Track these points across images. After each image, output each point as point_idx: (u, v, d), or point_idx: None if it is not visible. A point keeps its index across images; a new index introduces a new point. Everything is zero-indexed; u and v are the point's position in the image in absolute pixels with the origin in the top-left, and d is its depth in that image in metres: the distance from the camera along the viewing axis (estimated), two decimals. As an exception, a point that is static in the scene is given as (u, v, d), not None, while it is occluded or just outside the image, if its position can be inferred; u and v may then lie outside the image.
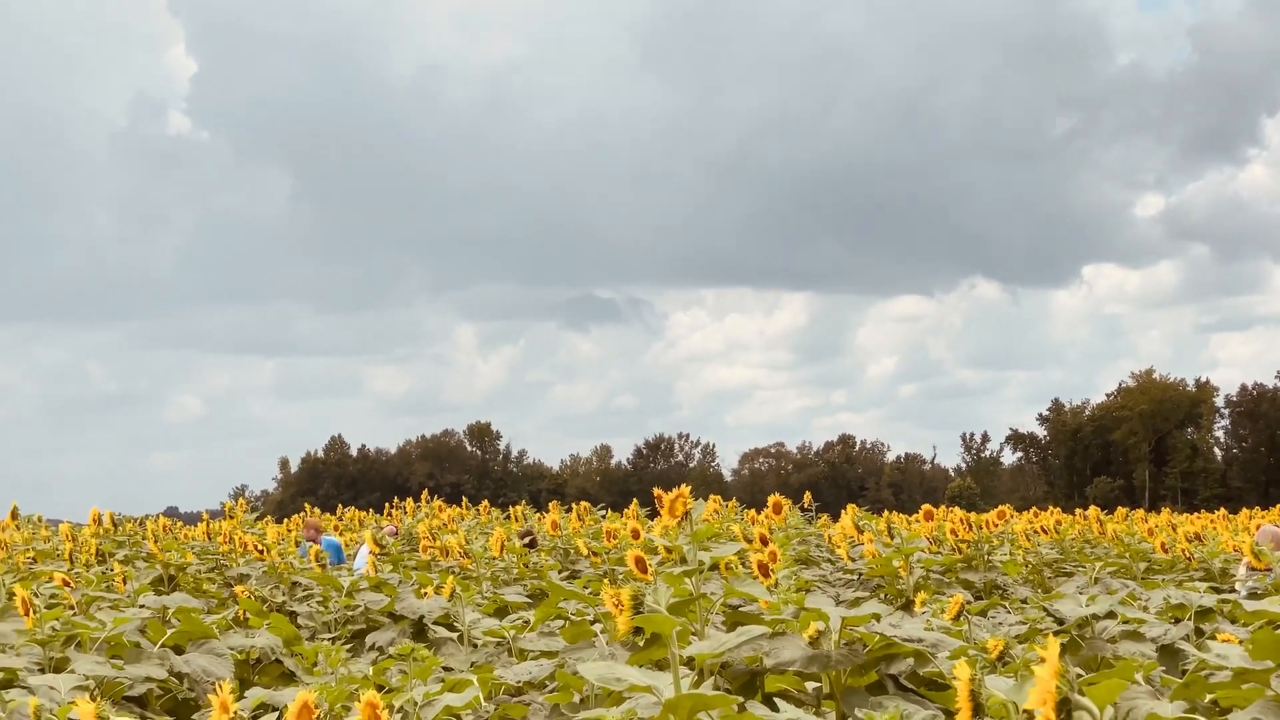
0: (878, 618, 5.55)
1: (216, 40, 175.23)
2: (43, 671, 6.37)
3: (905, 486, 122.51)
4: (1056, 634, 7.56)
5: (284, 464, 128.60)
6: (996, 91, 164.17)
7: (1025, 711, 3.72)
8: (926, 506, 14.07)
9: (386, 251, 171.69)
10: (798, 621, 5.59)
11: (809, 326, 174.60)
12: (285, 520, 25.91)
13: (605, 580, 10.16)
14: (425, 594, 9.21)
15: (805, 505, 18.40)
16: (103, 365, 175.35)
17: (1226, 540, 14.04)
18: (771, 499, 9.94)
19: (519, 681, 6.35)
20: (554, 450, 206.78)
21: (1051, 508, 22.29)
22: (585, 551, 13.32)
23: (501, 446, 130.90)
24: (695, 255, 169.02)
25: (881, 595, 10.48)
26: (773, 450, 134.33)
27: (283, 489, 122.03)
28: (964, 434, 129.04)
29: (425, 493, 24.88)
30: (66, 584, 8.37)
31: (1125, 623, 7.41)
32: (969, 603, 7.30)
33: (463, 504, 24.13)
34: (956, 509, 15.94)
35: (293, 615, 9.63)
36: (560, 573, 12.52)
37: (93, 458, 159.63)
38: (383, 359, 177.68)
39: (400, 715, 5.14)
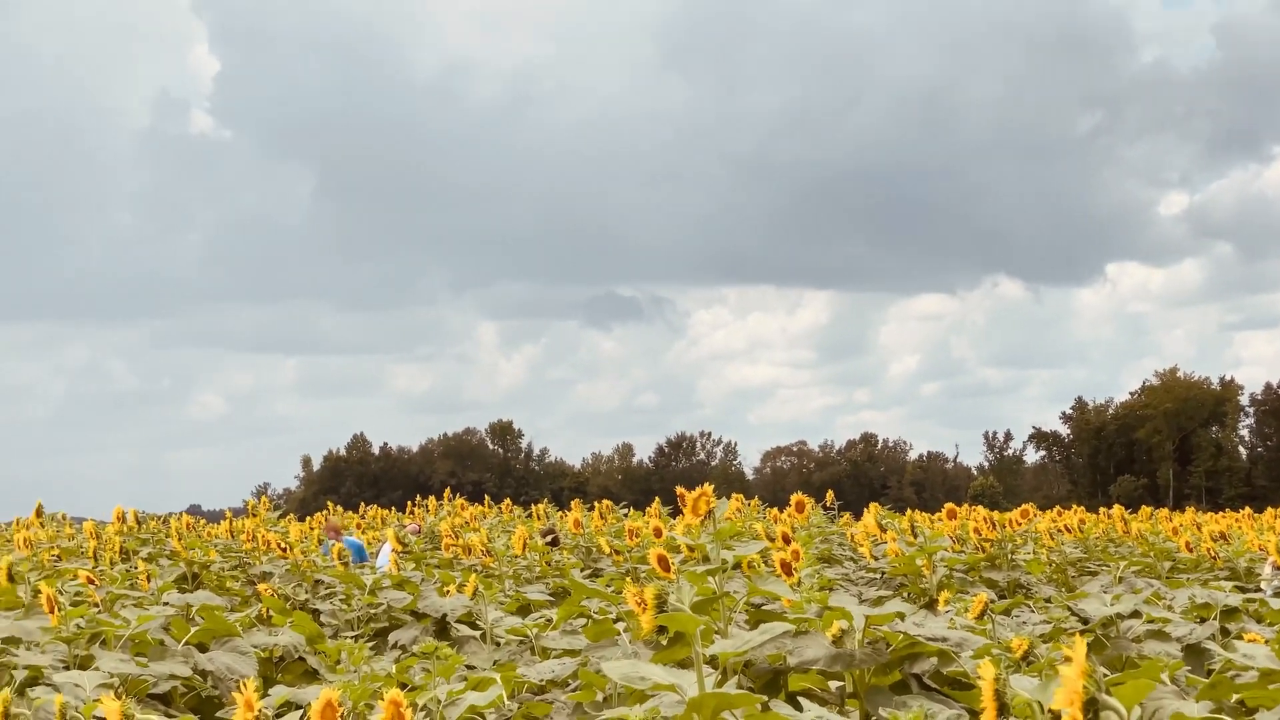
0: (901, 616, 5.53)
1: (240, 39, 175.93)
2: (68, 669, 6.39)
3: (928, 485, 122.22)
4: (1081, 633, 7.52)
5: (306, 462, 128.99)
6: (1019, 89, 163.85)
7: (1051, 711, 3.70)
8: (949, 505, 14.04)
9: (408, 250, 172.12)
10: (821, 620, 5.57)
11: (831, 325, 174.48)
12: (308, 518, 25.97)
13: (628, 578, 10.16)
14: (448, 592, 9.23)
15: (828, 504, 18.35)
16: (126, 364, 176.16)
17: (1252, 539, 13.96)
18: (794, 497, 9.93)
19: (542, 680, 6.34)
20: (576, 448, 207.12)
21: (1075, 507, 22.21)
22: (608, 550, 13.32)
23: (523, 445, 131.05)
24: (717, 253, 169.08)
25: (904, 594, 10.45)
26: (795, 449, 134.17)
27: (305, 487, 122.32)
28: (986, 432, 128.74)
29: (447, 491, 24.91)
30: (91, 582, 8.39)
31: (1150, 622, 7.39)
32: (992, 602, 7.28)
33: (485, 502, 24.14)
34: (979, 508, 15.90)
35: (316, 613, 9.64)
36: (582, 571, 12.52)
37: (116, 456, 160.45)
38: (405, 357, 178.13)
39: (424, 714, 5.15)
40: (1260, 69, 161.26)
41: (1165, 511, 30.28)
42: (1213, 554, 12.54)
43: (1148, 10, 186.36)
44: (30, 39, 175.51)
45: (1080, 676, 2.64)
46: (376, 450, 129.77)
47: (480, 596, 8.47)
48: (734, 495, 20.49)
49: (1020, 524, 14.32)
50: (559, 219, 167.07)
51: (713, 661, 4.94)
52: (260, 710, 3.65)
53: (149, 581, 9.14)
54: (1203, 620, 7.76)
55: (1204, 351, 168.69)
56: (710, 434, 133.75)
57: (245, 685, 3.69)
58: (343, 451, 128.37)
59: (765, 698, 4.24)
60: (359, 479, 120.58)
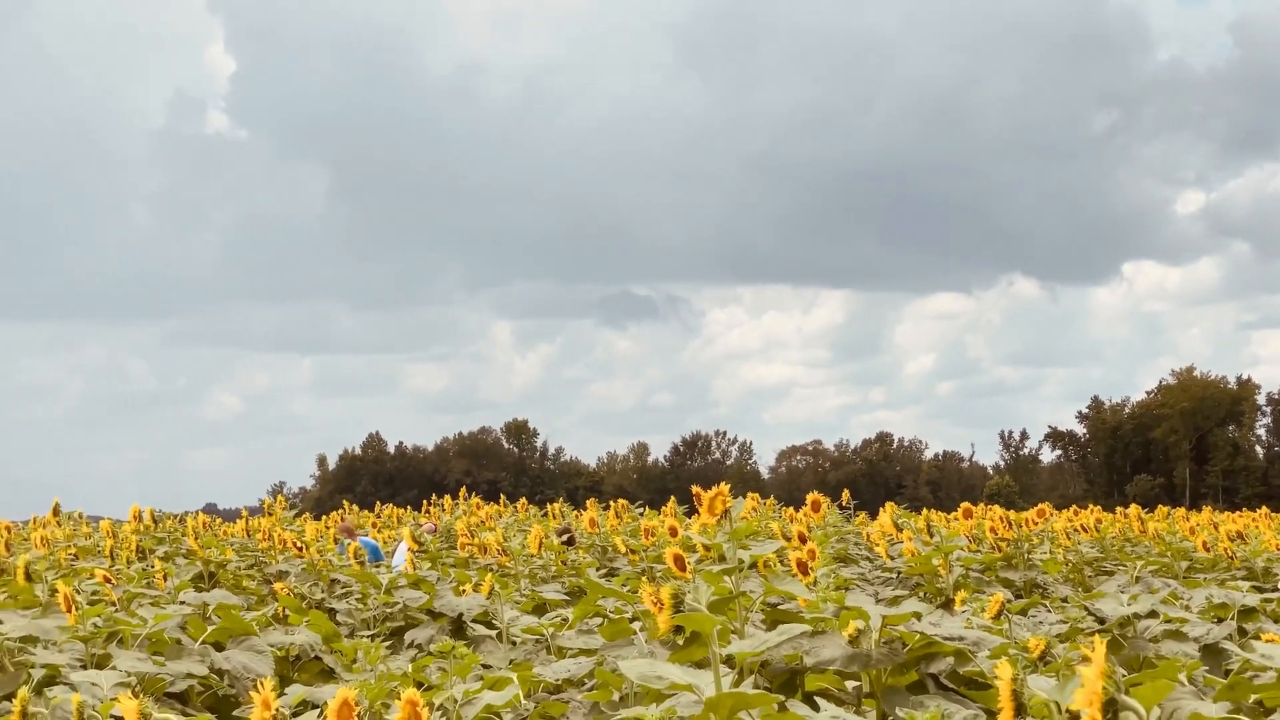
0: (918, 616, 5.52)
1: (255, 39, 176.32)
2: (85, 668, 6.40)
3: (943, 484, 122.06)
4: (1098, 633, 7.51)
5: (322, 461, 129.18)
6: (1035, 88, 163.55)
7: (1069, 712, 3.69)
8: (965, 505, 14.02)
9: (424, 249, 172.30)
10: (837, 620, 5.56)
11: (847, 324, 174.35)
12: (323, 517, 26.01)
13: (643, 578, 10.15)
14: (464, 591, 9.23)
15: (843, 503, 18.33)
16: (142, 363, 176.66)
17: (1269, 539, 13.90)
18: (810, 497, 9.92)
19: (558, 679, 6.34)
20: (591, 448, 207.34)
21: (1091, 506, 22.15)
22: (623, 549, 13.32)
23: (538, 444, 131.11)
24: (733, 253, 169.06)
25: (920, 594, 10.43)
26: (810, 448, 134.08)
27: (321, 486, 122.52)
28: (1002, 432, 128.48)
29: (463, 490, 24.93)
30: (108, 580, 8.41)
31: (1167, 622, 7.37)
32: (1009, 601, 7.27)
33: (500, 501, 24.16)
34: (995, 507, 15.87)
35: (332, 612, 9.65)
36: (598, 570, 12.51)
37: (132, 455, 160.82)
38: (420, 356, 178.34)
39: (440, 713, 5.15)
40: (1277, 68, 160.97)
41: (1182, 511, 30.20)
42: (1230, 554, 12.50)
43: (1164, 9, 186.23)
44: (46, 40, 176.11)
45: (1100, 677, 2.63)
46: (392, 449, 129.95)
47: (496, 596, 8.48)
48: (749, 494, 20.49)
49: (1036, 523, 14.30)
50: (574, 218, 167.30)
51: (729, 661, 4.94)
52: (277, 709, 3.65)
53: (165, 580, 9.16)
54: (1220, 620, 7.74)
55: (1220, 350, 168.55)
56: (725, 433, 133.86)
57: (262, 684, 3.70)
58: (358, 451, 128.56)
59: (782, 697, 4.23)
60: (374, 478, 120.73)
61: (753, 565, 6.01)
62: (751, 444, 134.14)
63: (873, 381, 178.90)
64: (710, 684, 4.35)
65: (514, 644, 8.12)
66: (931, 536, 10.67)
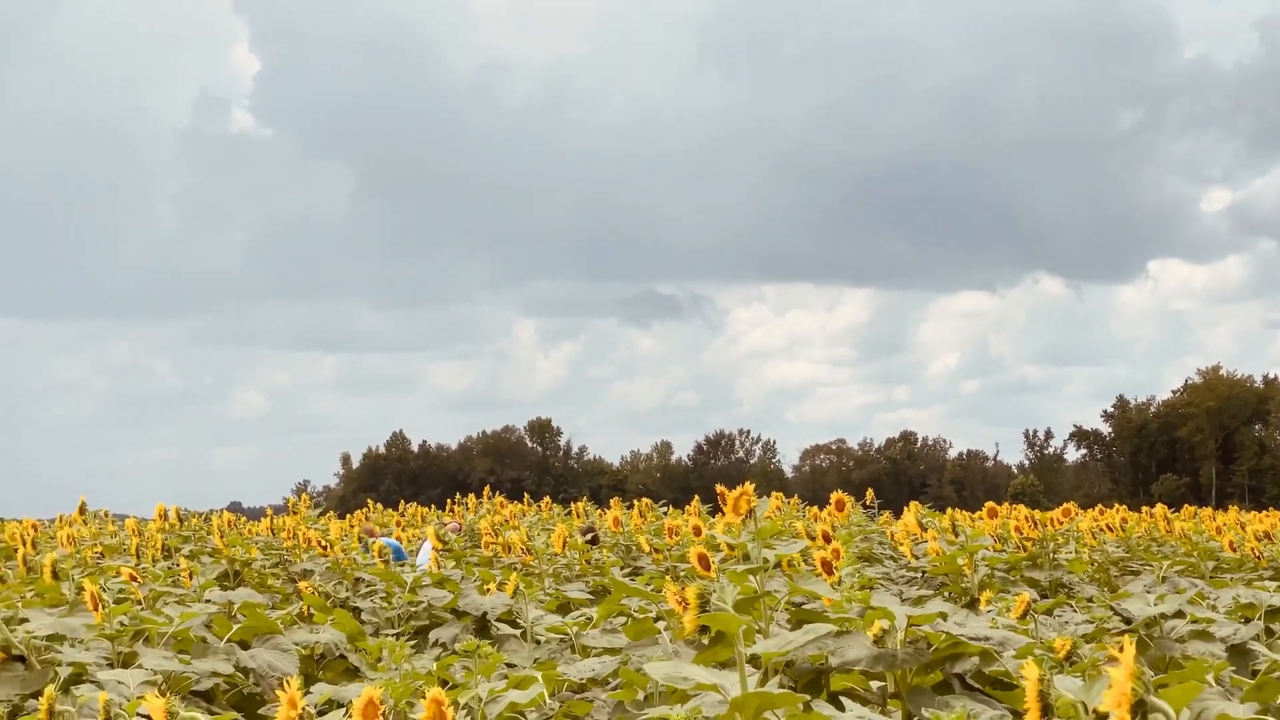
0: (944, 616, 5.50)
1: (279, 38, 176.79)
2: (111, 666, 6.42)
3: (967, 484, 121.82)
4: (1124, 633, 7.48)
5: (346, 459, 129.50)
6: (1060, 85, 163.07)
7: (1096, 712, 3.68)
8: (990, 504, 13.97)
9: (447, 247, 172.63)
10: (862, 620, 5.55)
11: (871, 322, 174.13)
12: (347, 516, 26.05)
13: (667, 577, 10.14)
14: (488, 590, 9.23)
15: (867, 502, 18.31)
16: (168, 362, 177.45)
17: (1296, 539, 13.84)
18: (834, 496, 9.89)
19: (582, 678, 6.34)
20: (614, 446, 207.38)
21: (1117, 505, 22.09)
22: (647, 548, 13.31)
23: (562, 443, 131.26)
24: (756, 251, 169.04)
25: (945, 593, 10.40)
26: (834, 447, 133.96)
27: (344, 484, 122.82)
28: (1027, 431, 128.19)
29: (487, 489, 24.94)
30: (134, 579, 8.43)
31: (1194, 622, 7.34)
32: (1035, 601, 7.24)
33: (524, 500, 24.16)
34: (1020, 506, 15.81)
35: (356, 611, 9.67)
36: (622, 569, 12.51)
37: (158, 453, 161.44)
38: (444, 355, 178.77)
39: (465, 712, 5.15)
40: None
41: (1208, 510, 30.10)
42: (1257, 553, 12.44)
43: (1190, 5, 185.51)
44: (72, 41, 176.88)
45: (1129, 678, 2.62)
46: (415, 448, 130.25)
47: (521, 595, 8.48)
48: (773, 493, 20.51)
49: (1062, 523, 14.24)
50: (597, 217, 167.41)
51: (754, 661, 4.93)
52: (303, 708, 3.66)
53: (191, 579, 9.18)
54: (1247, 620, 7.70)
55: (1247, 349, 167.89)
56: (749, 432, 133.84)
57: (288, 683, 3.70)
58: (382, 449, 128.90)
59: (808, 697, 4.23)
60: (398, 476, 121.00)
61: (777, 564, 6.01)
62: (775, 443, 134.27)
63: (896, 380, 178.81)
64: (735, 684, 4.35)
65: (538, 643, 8.12)
66: (956, 536, 10.63)
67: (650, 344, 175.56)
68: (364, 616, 9.63)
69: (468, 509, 23.17)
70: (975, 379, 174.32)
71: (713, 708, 4.36)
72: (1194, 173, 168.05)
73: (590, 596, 9.77)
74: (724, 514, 5.60)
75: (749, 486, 5.38)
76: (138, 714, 4.41)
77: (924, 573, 11.41)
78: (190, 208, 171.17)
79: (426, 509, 25.77)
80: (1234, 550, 12.59)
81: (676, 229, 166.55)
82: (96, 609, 6.59)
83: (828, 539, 7.19)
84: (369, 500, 28.90)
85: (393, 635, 8.91)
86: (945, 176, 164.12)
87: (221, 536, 11.56)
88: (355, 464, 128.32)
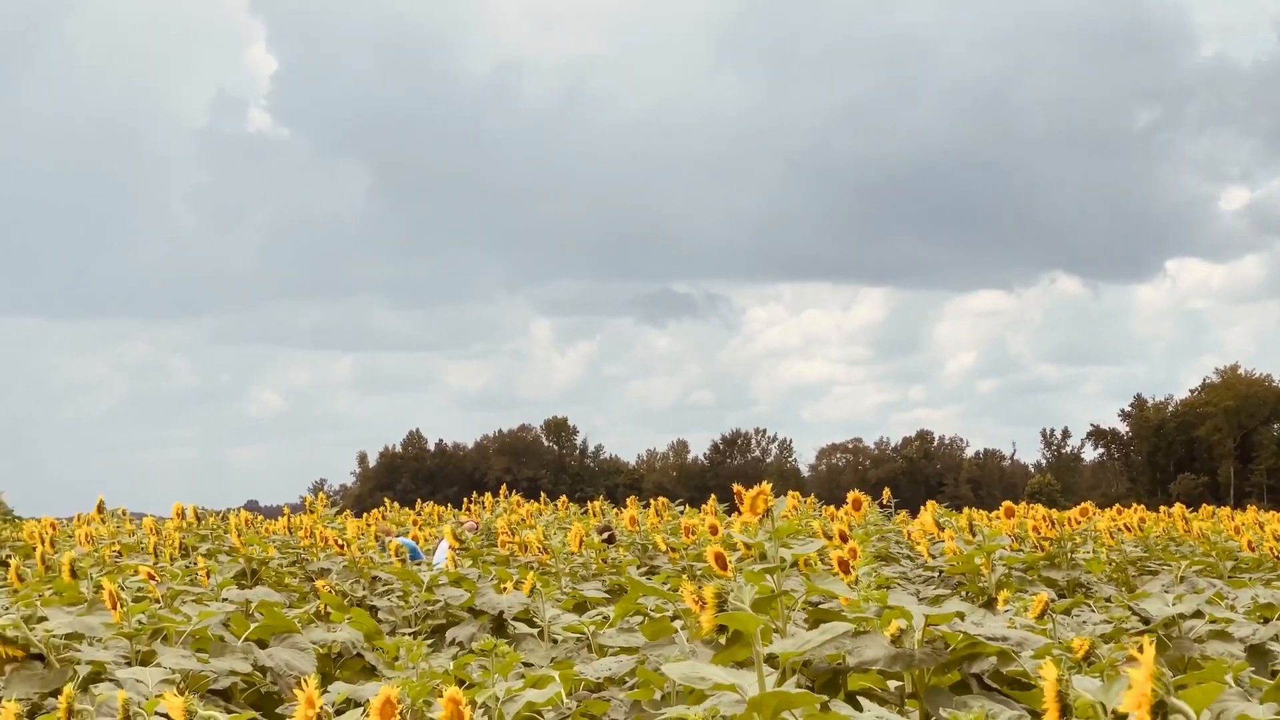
0: (961, 616, 5.49)
1: (296, 39, 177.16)
2: (130, 665, 6.43)
3: (984, 483, 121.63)
4: (1142, 633, 7.46)
5: (362, 458, 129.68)
6: (1077, 83, 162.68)
7: (1115, 713, 3.67)
8: (1007, 503, 13.94)
9: (464, 247, 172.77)
10: (880, 619, 5.54)
11: (887, 321, 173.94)
12: (364, 515, 26.07)
13: (684, 576, 10.14)
14: (505, 589, 9.23)
15: (884, 501, 18.27)
16: (185, 361, 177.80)
17: (1315, 538, 13.79)
18: (851, 495, 9.88)
19: (599, 677, 6.34)
20: (630, 445, 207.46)
21: (1135, 505, 22.02)
22: (664, 547, 13.30)
23: (578, 441, 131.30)
24: (773, 250, 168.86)
25: (962, 593, 10.38)
26: (850, 446, 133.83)
27: (361, 483, 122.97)
28: (1044, 430, 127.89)
29: (503, 488, 24.95)
30: (152, 577, 8.45)
31: (1213, 622, 7.31)
32: (1052, 601, 7.22)
33: (540, 499, 24.18)
34: (1038, 506, 15.78)
35: (373, 610, 9.68)
36: (639, 568, 12.51)
37: (175, 452, 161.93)
38: (460, 354, 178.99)
39: (482, 711, 5.15)
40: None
41: (1227, 510, 30.00)
42: (1275, 553, 12.39)
43: (1208, 3, 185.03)
44: (91, 41, 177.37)
45: (1149, 679, 2.61)
46: (432, 446, 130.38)
47: (538, 593, 8.48)
48: (790, 493, 20.50)
49: (1079, 522, 14.21)
50: (614, 216, 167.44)
51: (771, 661, 4.93)
52: (321, 707, 3.67)
53: (208, 577, 9.20)
54: (1266, 620, 7.68)
55: (1265, 348, 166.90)
56: (765, 431, 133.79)
57: (306, 682, 3.71)
58: (398, 448, 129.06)
59: (825, 697, 4.22)
60: (414, 475, 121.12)
61: (794, 564, 6.00)
62: (791, 442, 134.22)
63: (913, 379, 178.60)
64: (753, 684, 4.34)
65: (555, 642, 8.12)
66: (974, 535, 10.61)
67: (666, 343, 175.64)
68: (381, 615, 9.64)
69: (484, 508, 23.19)
70: (992, 378, 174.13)
71: (730, 707, 4.36)
72: (1212, 171, 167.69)
73: (607, 595, 9.77)
74: (741, 513, 5.59)
75: (766, 486, 5.38)
76: (156, 712, 4.42)
77: (941, 572, 11.39)
78: (207, 207, 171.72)
79: (443, 508, 25.79)
80: (1252, 550, 12.55)
81: (693, 228, 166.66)
82: (115, 607, 6.60)
83: (844, 538, 7.18)
84: (386, 499, 28.92)
85: (410, 634, 8.92)
86: (962, 175, 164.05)
87: (239, 535, 11.58)
88: (372, 463, 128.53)
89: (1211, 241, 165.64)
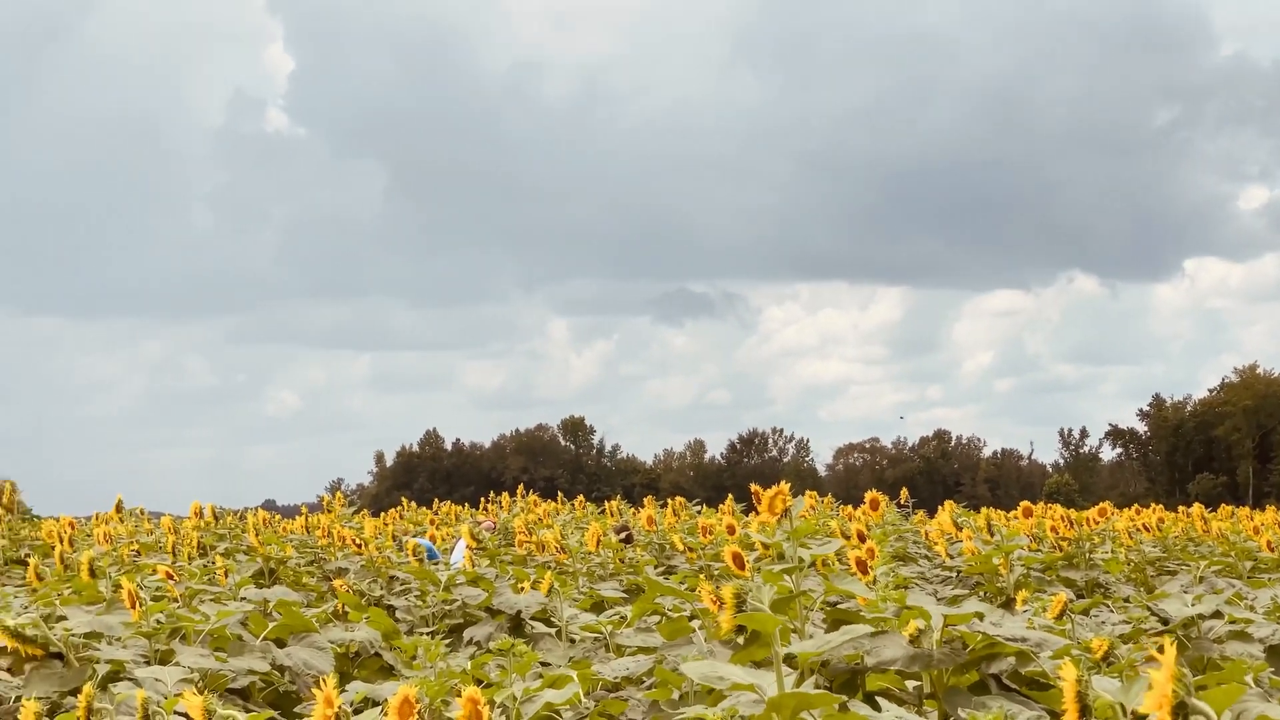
0: (980, 616, 5.48)
1: (314, 38, 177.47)
2: (149, 664, 6.44)
3: (1002, 482, 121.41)
4: (1161, 634, 7.44)
5: (379, 458, 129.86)
6: (1095, 83, 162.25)
7: (1134, 714, 3.65)
8: (1025, 503, 13.91)
9: (481, 246, 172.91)
10: (898, 619, 5.53)
11: (904, 321, 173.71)
12: (381, 514, 26.10)
13: (702, 576, 10.13)
14: (522, 589, 9.24)
15: (902, 501, 18.26)
16: (202, 360, 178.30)
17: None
18: (869, 495, 9.86)
19: (617, 677, 6.34)
20: (647, 445, 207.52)
21: (1153, 505, 21.96)
22: (681, 547, 13.30)
23: (595, 441, 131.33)
24: (789, 249, 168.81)
25: (980, 593, 10.37)
26: (867, 445, 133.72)
27: (378, 482, 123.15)
28: (1062, 430, 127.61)
29: (520, 487, 24.97)
30: (170, 577, 8.47)
31: (1232, 623, 7.28)
32: (1071, 601, 7.20)
33: (557, 498, 24.18)
34: (1056, 506, 15.75)
35: (391, 609, 9.69)
36: (656, 568, 12.51)
37: (192, 451, 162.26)
38: (477, 353, 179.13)
39: (500, 711, 5.15)
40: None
41: (1246, 510, 29.91)
42: (1295, 554, 12.36)
43: (1227, 2, 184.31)
44: (109, 40, 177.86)
45: (1170, 680, 2.60)
46: (449, 446, 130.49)
47: (555, 593, 8.48)
48: (807, 492, 20.48)
49: (1098, 522, 14.18)
50: (631, 215, 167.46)
51: (790, 661, 4.92)
52: (340, 706, 3.67)
53: (226, 577, 9.21)
54: (1286, 621, 7.64)
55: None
56: (782, 430, 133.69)
57: (324, 681, 3.71)
58: (415, 447, 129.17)
59: (844, 698, 4.22)
60: (431, 475, 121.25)
61: (811, 564, 6.00)
62: (808, 441, 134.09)
63: (930, 379, 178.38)
64: (771, 684, 4.34)
65: (573, 642, 8.13)
66: (992, 535, 10.59)
67: (683, 342, 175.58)
68: (399, 615, 9.65)
69: (501, 507, 23.21)
70: (1009, 378, 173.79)
71: (748, 707, 4.35)
72: (1231, 170, 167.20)
73: (624, 595, 9.77)
74: (758, 513, 5.58)
75: (785, 486, 5.37)
76: (175, 712, 4.43)
77: (959, 572, 11.38)
78: (225, 207, 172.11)
79: (460, 507, 25.82)
80: (1272, 550, 12.51)
81: (709, 227, 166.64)
82: (134, 607, 6.62)
83: (862, 538, 7.18)
84: (403, 499, 28.95)
85: (427, 634, 8.93)
86: (979, 174, 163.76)
87: (256, 534, 11.60)
88: (389, 462, 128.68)
89: (1230, 241, 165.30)
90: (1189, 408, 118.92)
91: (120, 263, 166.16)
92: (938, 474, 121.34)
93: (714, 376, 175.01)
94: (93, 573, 8.07)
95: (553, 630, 8.40)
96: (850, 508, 19.12)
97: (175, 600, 7.64)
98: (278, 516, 19.07)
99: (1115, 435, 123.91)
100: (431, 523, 20.77)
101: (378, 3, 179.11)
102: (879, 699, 4.77)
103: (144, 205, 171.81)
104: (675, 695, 5.84)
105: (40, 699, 5.07)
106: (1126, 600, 9.77)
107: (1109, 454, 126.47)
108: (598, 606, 9.30)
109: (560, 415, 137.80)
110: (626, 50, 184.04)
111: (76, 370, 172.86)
